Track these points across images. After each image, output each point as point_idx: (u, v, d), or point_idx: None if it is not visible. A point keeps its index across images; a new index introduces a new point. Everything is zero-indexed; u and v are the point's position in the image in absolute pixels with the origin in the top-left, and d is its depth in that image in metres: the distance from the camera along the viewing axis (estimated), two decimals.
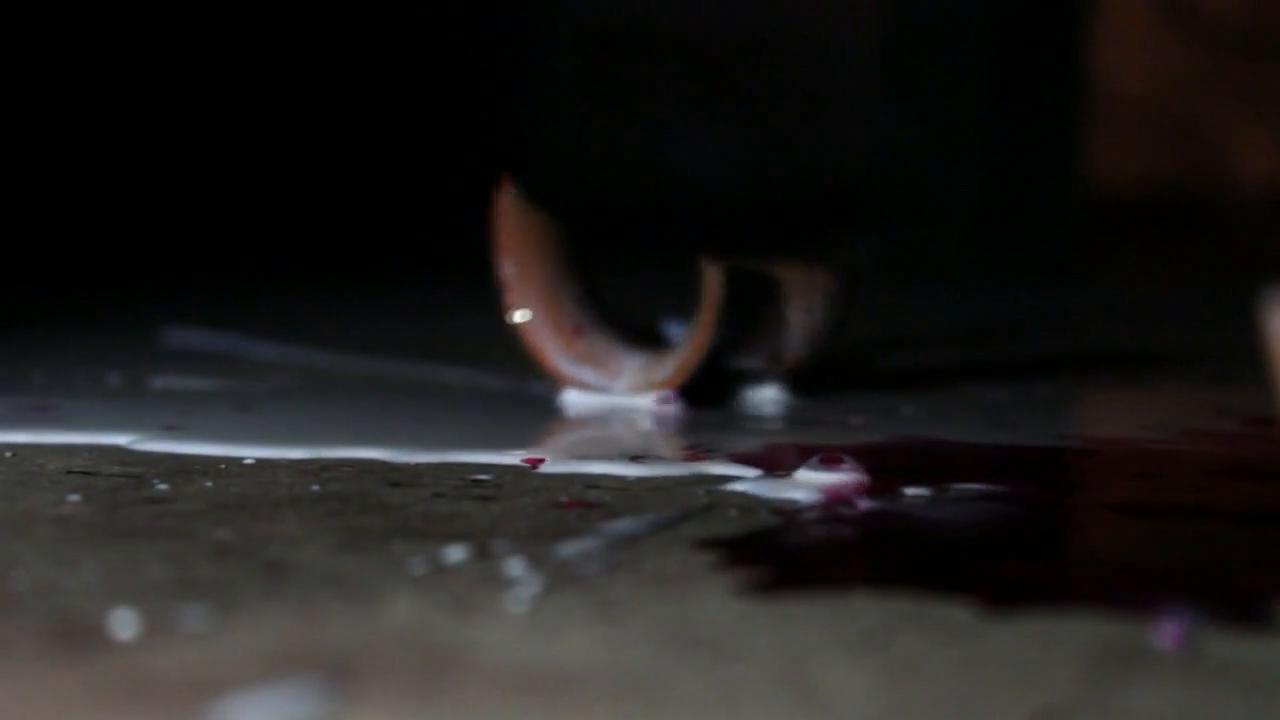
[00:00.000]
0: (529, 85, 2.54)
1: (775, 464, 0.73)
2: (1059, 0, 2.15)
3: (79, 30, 2.18)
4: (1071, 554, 0.65)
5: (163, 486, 0.67)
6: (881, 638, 0.48)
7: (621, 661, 0.46)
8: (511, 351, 0.95)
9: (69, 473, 0.70)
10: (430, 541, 0.59)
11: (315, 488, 0.68)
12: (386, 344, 1.15)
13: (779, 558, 0.60)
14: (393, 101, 2.44)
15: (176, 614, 0.49)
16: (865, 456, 0.71)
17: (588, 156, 2.58)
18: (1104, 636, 0.49)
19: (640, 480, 0.70)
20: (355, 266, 1.98)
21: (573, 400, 0.92)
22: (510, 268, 0.93)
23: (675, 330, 0.97)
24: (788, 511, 0.65)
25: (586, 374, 0.92)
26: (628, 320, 0.95)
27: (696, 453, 0.77)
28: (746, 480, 0.70)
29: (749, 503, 0.66)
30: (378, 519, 0.62)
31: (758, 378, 0.93)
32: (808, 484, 0.69)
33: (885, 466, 0.72)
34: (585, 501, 0.66)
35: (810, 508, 0.66)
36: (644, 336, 0.95)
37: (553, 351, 0.92)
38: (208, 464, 0.72)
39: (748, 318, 0.89)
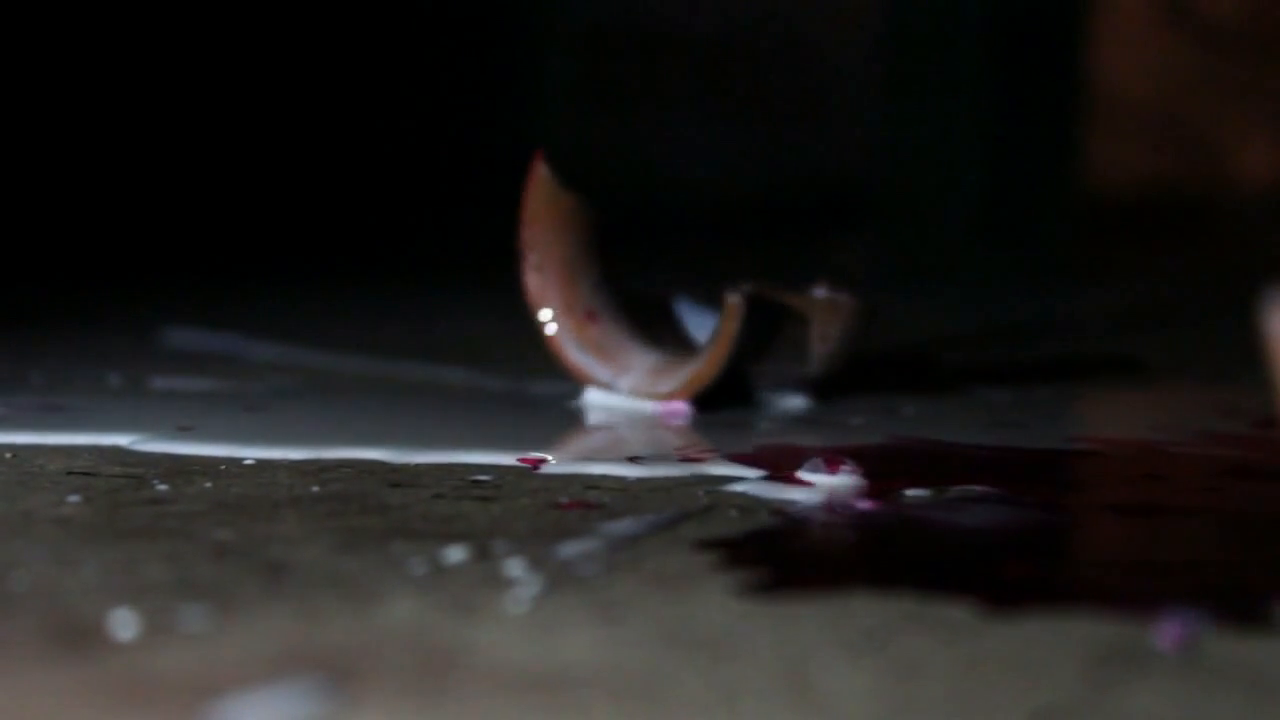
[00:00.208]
0: (529, 85, 2.54)
1: (776, 465, 0.73)
2: (1059, 1, 2.15)
3: (79, 30, 2.18)
4: (1072, 554, 0.65)
5: (163, 487, 0.67)
6: (882, 638, 0.48)
7: (622, 661, 0.46)
8: (511, 351, 0.95)
9: (69, 473, 0.70)
10: (430, 542, 0.59)
11: (315, 488, 0.68)
12: (387, 344, 1.15)
13: (779, 558, 0.60)
14: (392, 101, 2.44)
15: (176, 614, 0.49)
16: (866, 457, 0.71)
17: (587, 156, 2.57)
18: (1104, 636, 0.49)
19: (640, 481, 0.70)
20: (355, 266, 1.97)
21: (593, 400, 0.91)
22: (532, 237, 0.92)
23: (688, 311, 0.96)
24: (788, 512, 0.65)
25: (593, 363, 0.91)
26: (641, 290, 0.94)
27: (696, 453, 0.77)
28: (747, 481, 0.70)
29: (749, 503, 0.66)
30: (378, 519, 0.62)
31: (772, 384, 0.92)
32: (808, 485, 0.69)
33: (886, 467, 0.72)
34: (585, 502, 0.66)
35: (811, 508, 0.66)
36: (657, 312, 0.94)
37: (562, 335, 0.91)
38: (208, 464, 0.72)
39: (762, 343, 0.89)
